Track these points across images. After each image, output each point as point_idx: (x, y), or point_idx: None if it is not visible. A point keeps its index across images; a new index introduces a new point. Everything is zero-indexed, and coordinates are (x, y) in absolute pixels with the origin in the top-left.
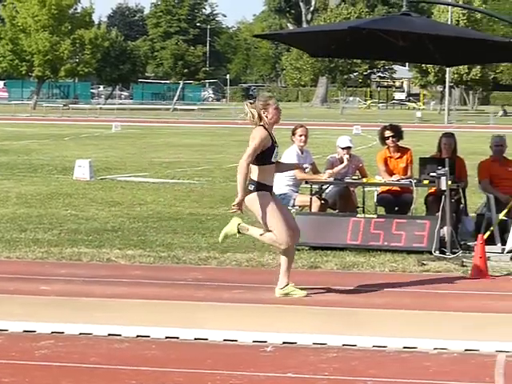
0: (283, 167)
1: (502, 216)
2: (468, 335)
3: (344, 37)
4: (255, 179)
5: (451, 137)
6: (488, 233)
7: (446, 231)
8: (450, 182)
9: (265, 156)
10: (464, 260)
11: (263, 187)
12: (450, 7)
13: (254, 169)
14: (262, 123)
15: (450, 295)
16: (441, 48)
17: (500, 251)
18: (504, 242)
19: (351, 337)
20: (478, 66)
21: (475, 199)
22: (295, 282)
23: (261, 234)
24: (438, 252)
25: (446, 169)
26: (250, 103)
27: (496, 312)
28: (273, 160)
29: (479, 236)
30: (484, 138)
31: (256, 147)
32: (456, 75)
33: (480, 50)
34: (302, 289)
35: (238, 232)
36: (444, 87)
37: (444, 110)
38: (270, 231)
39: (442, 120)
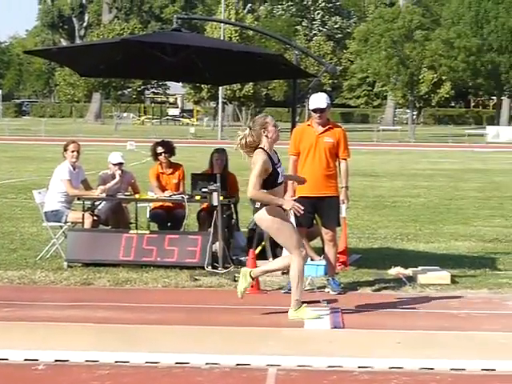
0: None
1: None
2: (239, 350)
3: (114, 55)
4: None
5: (223, 152)
6: (260, 248)
7: (218, 246)
8: (221, 198)
9: (270, 182)
10: (236, 275)
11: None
12: (222, 24)
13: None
14: (261, 145)
15: (222, 310)
16: (211, 66)
17: None
18: (275, 257)
19: (124, 353)
20: (251, 83)
21: (247, 214)
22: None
23: (273, 264)
24: (210, 267)
25: (218, 184)
26: (250, 128)
27: (266, 326)
28: (279, 182)
29: (251, 251)
30: None
31: (258, 173)
32: (229, 91)
33: (251, 67)
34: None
35: (252, 278)
36: (217, 103)
37: (217, 125)
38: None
39: (216, 136)
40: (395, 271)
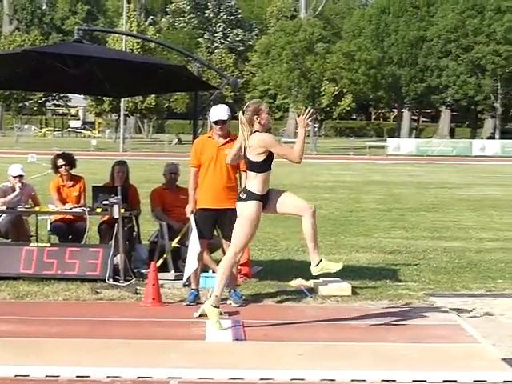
0: None
1: (174, 243)
2: (140, 362)
3: (15, 67)
4: (252, 190)
5: (124, 164)
6: (161, 260)
7: (119, 259)
8: (122, 210)
9: (267, 164)
10: (137, 287)
11: (258, 198)
12: (124, 36)
13: (253, 177)
14: (255, 129)
15: (124, 323)
16: (112, 78)
17: (173, 278)
18: (177, 269)
19: (24, 367)
20: (153, 95)
21: (148, 227)
22: None
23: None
24: (111, 280)
25: (119, 197)
26: (243, 112)
27: (168, 339)
28: (271, 166)
29: (152, 263)
30: (159, 166)
31: (278, 143)
32: (131, 103)
33: (153, 79)
34: None
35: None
36: (119, 115)
37: (119, 138)
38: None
39: (118, 148)
40: (296, 283)
